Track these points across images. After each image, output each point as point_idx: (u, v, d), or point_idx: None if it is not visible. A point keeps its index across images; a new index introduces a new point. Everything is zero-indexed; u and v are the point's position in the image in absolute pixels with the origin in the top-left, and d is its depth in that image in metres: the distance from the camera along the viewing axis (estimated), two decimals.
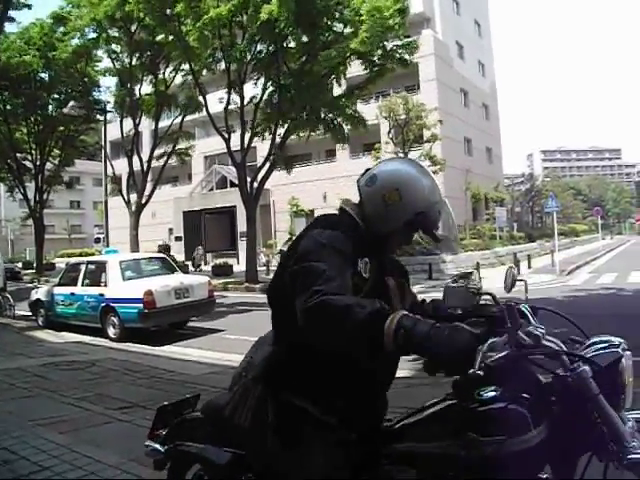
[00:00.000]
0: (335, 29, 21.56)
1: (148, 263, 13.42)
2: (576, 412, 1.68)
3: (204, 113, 24.91)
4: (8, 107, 31.91)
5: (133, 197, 28.55)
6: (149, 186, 28.74)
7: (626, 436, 1.62)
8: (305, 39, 21.34)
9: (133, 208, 28.07)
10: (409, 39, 21.47)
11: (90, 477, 4.06)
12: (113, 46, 27.40)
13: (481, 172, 41.09)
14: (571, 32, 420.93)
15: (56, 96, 32.55)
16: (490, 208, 38.96)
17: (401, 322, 1.60)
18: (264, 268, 27.15)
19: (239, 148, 23.38)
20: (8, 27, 25.64)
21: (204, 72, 24.69)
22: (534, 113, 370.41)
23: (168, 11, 21.94)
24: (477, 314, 1.93)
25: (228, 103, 23.52)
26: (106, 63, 30.28)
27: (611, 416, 1.63)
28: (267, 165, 23.47)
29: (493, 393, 1.68)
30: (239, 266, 30.44)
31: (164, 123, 29.46)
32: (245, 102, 23.34)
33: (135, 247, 26.83)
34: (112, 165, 28.13)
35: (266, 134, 23.54)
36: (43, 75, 31.40)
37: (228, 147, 23.69)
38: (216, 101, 24.61)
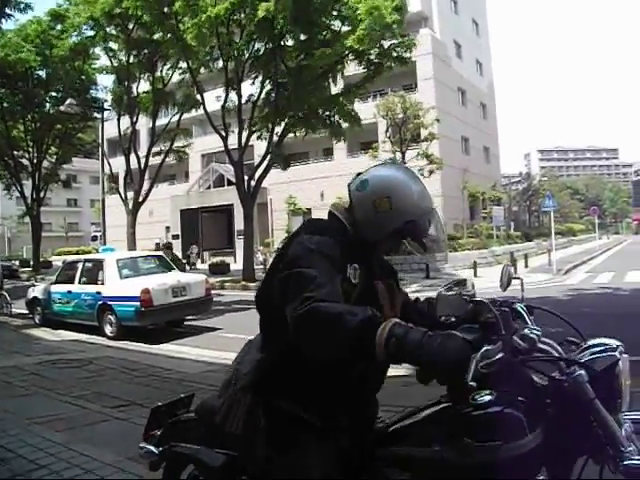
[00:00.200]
0: (333, 27, 21.57)
1: (145, 261, 13.42)
2: (572, 416, 1.68)
3: (202, 111, 24.88)
4: (5, 104, 31.81)
5: (130, 195, 28.52)
6: (146, 184, 28.69)
7: (622, 441, 1.61)
8: (303, 37, 21.34)
9: (130, 206, 28.01)
10: (406, 38, 21.44)
11: (87, 475, 4.06)
12: (110, 44, 27.33)
13: (478, 171, 41.12)
14: (569, 32, 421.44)
15: (53, 94, 32.52)
16: (487, 207, 38.99)
17: (393, 330, 1.57)
18: (261, 266, 27.15)
19: (237, 146, 23.37)
20: (5, 24, 25.57)
21: (202, 70, 24.68)
22: (532, 112, 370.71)
23: (166, 9, 21.88)
24: (471, 321, 1.90)
25: (226, 101, 23.51)
26: (104, 61, 30.27)
27: (607, 420, 1.62)
28: (265, 163, 23.46)
29: (488, 397, 1.65)
30: (236, 264, 30.48)
31: (161, 121, 29.42)
32: (243, 100, 23.33)
33: (132, 245, 26.79)
34: (109, 163, 28.07)
35: (264, 132, 23.53)
36: (40, 73, 31.36)
37: (226, 145, 23.67)
38: (214, 99, 24.61)
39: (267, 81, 22.90)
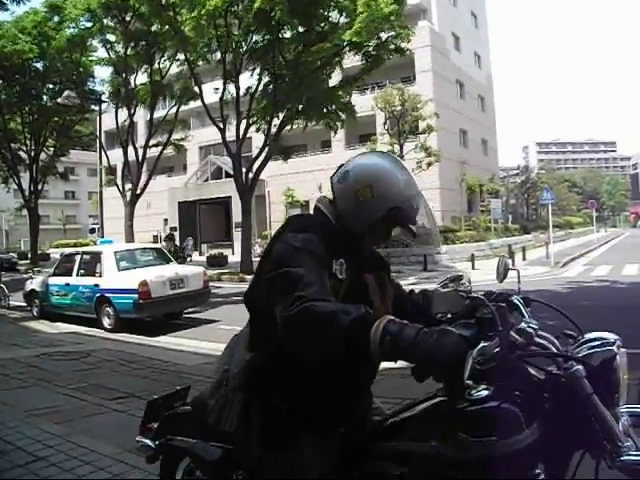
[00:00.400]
0: (331, 19, 21.50)
1: (143, 254, 13.39)
2: (569, 411, 1.67)
3: (199, 103, 24.83)
4: (2, 97, 31.71)
5: (128, 187, 28.49)
6: (144, 176, 28.67)
7: (620, 436, 1.61)
8: (300, 29, 21.27)
9: (128, 198, 28.00)
10: (404, 30, 21.38)
11: (85, 467, 4.07)
12: (108, 36, 27.23)
13: (476, 164, 41.09)
14: (567, 25, 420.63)
15: (51, 86, 32.42)
16: (485, 200, 38.94)
17: (387, 328, 1.54)
18: (259, 259, 27.13)
19: (234, 138, 23.33)
20: (1, 15, 25.49)
21: (200, 62, 24.61)
22: (530, 105, 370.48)
23: (163, 0, 21.82)
24: (467, 317, 1.87)
25: (224, 93, 23.45)
26: (101, 53, 30.16)
27: (605, 416, 1.62)
28: (262, 156, 23.43)
29: (485, 392, 1.63)
30: (234, 257, 30.45)
31: (159, 113, 29.34)
32: (241, 92, 23.28)
33: (130, 237, 26.80)
34: (107, 155, 28.01)
35: (262, 125, 23.50)
36: (38, 65, 31.25)
37: (223, 137, 23.65)
38: (211, 91, 24.56)
39: (265, 73, 22.86)
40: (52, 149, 35.35)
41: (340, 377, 1.88)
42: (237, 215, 29.71)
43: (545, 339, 1.81)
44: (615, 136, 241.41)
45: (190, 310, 13.18)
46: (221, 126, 23.56)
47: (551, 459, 1.71)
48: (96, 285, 11.85)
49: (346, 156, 2.50)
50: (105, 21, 26.02)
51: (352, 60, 22.59)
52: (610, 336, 1.78)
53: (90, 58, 31.63)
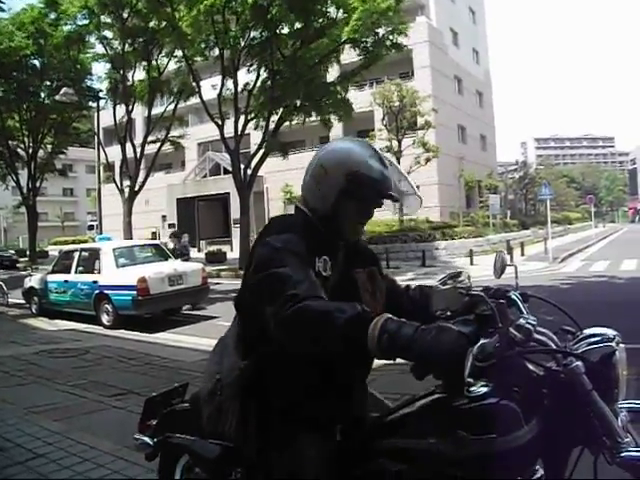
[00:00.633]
0: (329, 15, 21.46)
1: (142, 250, 13.42)
2: (569, 407, 1.67)
3: (197, 100, 24.83)
4: (0, 94, 31.64)
5: (126, 184, 28.45)
6: (142, 173, 28.66)
7: (619, 432, 1.61)
8: (298, 25, 21.25)
9: (126, 195, 27.99)
10: (401, 25, 21.36)
11: (85, 464, 4.07)
12: (105, 32, 27.18)
13: (475, 160, 41.05)
14: (565, 21, 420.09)
15: (48, 83, 32.37)
16: (483, 195, 38.96)
17: (385, 326, 1.51)
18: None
19: (233, 135, 23.31)
20: None
21: (198, 58, 24.58)
22: (528, 101, 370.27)
23: None
24: (467, 313, 1.84)
25: (222, 89, 23.43)
26: (99, 49, 30.05)
27: (605, 412, 1.62)
28: (261, 152, 23.42)
29: (484, 389, 1.63)
30: (233, 253, 30.45)
31: (157, 110, 29.30)
32: (239, 89, 23.26)
33: (128, 234, 26.79)
34: (105, 152, 28.00)
35: (260, 121, 23.48)
36: (35, 62, 31.19)
37: (222, 134, 23.64)
38: (210, 87, 24.52)
39: (263, 69, 22.83)
40: (50, 146, 35.33)
41: (333, 374, 1.87)
42: (235, 211, 29.67)
43: (544, 335, 1.80)
44: (613, 132, 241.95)
45: (189, 306, 13.18)
46: (219, 122, 23.56)
47: (550, 455, 1.71)
48: (95, 282, 11.84)
49: None
50: (102, 18, 25.96)
51: (350, 56, 22.58)
52: (609, 332, 1.77)
53: (88, 55, 31.56)
